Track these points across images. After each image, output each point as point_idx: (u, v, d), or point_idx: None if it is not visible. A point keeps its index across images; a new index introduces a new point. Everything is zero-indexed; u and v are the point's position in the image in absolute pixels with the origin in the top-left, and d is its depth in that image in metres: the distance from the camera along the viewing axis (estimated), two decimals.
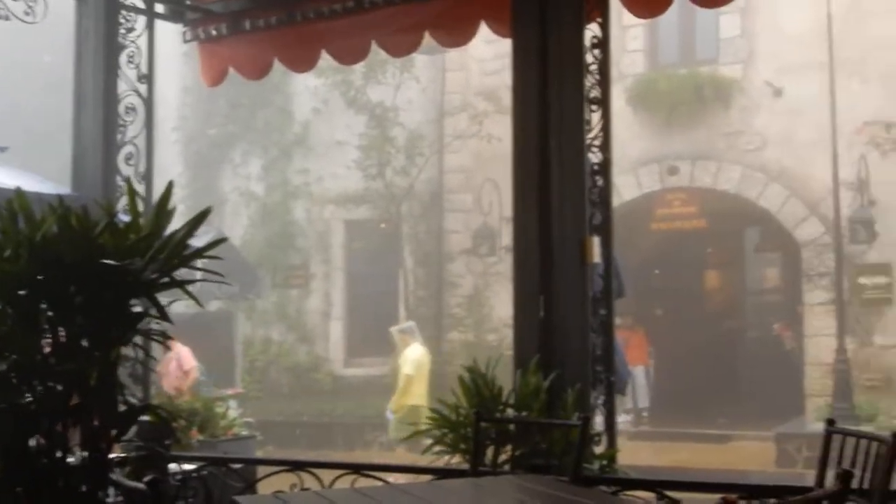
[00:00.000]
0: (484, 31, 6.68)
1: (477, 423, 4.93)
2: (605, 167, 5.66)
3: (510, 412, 5.29)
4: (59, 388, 4.18)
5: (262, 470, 5.99)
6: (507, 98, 5.92)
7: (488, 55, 16.64)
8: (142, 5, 7.08)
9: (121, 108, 6.82)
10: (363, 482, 5.19)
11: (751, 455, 15.32)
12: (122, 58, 6.89)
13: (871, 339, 16.54)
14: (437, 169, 19.39)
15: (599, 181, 5.65)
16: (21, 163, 8.10)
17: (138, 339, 4.61)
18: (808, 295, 17.27)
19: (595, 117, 5.62)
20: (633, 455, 10.07)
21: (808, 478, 4.61)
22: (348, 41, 7.14)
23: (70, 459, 4.21)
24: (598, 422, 5.51)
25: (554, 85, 5.57)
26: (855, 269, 16.57)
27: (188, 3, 7.47)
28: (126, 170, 6.75)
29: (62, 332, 4.23)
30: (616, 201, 6.20)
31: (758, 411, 17.20)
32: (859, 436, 4.11)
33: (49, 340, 4.23)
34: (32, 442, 4.15)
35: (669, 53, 18.79)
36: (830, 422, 4.53)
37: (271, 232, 20.64)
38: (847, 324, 16.38)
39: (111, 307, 4.23)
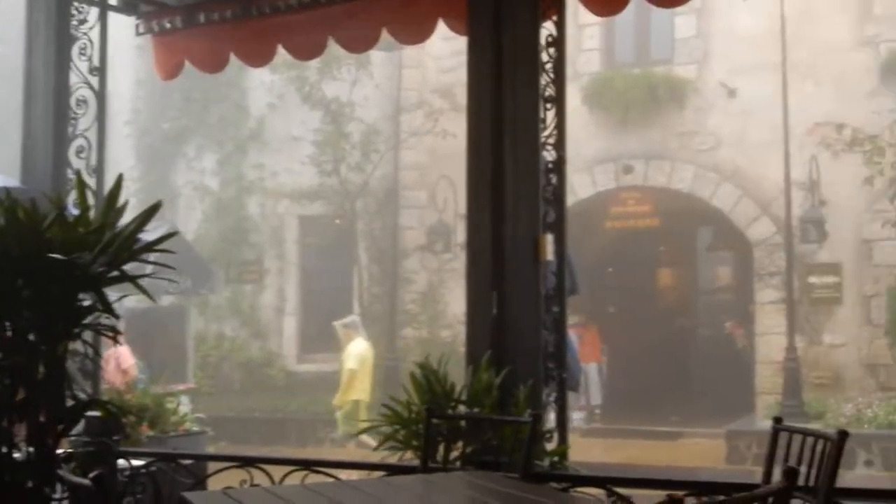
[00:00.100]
0: (441, 28, 6.67)
1: (428, 420, 4.92)
2: (559, 165, 5.67)
3: (462, 409, 5.29)
4: (6, 382, 4.14)
5: (212, 466, 5.96)
6: (462, 96, 5.91)
7: (445, 52, 16.58)
8: None
9: (72, 101, 6.72)
10: (314, 478, 5.18)
11: (702, 452, 15.44)
12: (74, 50, 6.78)
13: (820, 338, 16.77)
14: (393, 165, 19.34)
15: (553, 179, 5.66)
16: None
17: (87, 334, 4.56)
18: (759, 294, 17.48)
19: (550, 115, 5.63)
20: (586, 452, 10.12)
21: (757, 475, 4.66)
22: (305, 36, 7.09)
23: (16, 455, 4.16)
24: (551, 418, 5.52)
25: (509, 83, 5.57)
26: (805, 268, 16.78)
27: None
28: (77, 163, 6.66)
29: (9, 326, 4.19)
30: (571, 200, 6.23)
31: (709, 409, 17.33)
32: (806, 433, 4.14)
33: None
34: None
35: (625, 53, 18.88)
36: (778, 419, 4.56)
37: (225, 227, 20.49)
38: (797, 323, 16.60)
39: (59, 301, 4.19)
